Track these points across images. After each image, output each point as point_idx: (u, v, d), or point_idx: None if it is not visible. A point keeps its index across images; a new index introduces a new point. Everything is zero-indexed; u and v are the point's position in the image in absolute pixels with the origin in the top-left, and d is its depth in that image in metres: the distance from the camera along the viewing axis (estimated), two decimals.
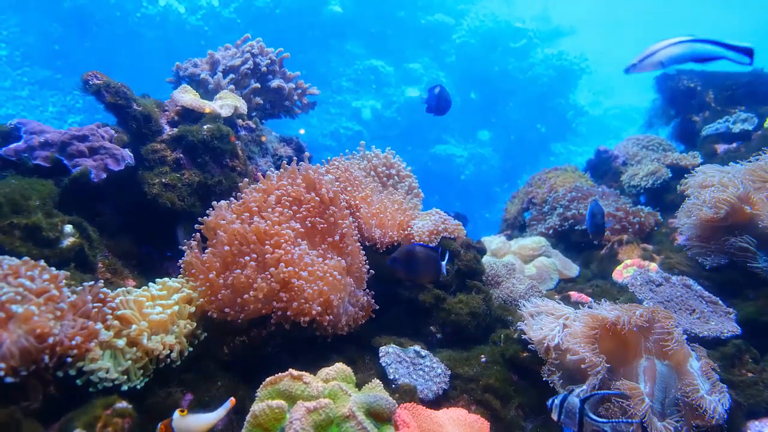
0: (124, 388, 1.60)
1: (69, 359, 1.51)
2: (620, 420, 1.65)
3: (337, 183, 2.50)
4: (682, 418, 1.74)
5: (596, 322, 1.89)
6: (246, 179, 2.35)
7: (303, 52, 12.99)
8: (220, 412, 1.50)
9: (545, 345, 1.96)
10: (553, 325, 1.99)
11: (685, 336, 1.91)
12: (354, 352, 2.10)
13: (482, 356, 2.14)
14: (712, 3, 21.79)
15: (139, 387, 1.64)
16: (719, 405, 1.72)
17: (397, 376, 1.92)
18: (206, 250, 2.06)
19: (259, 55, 3.14)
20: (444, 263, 2.14)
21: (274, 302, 1.90)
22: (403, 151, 3.05)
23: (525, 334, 2.07)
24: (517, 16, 15.86)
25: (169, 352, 1.74)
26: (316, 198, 2.23)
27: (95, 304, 1.68)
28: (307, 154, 3.28)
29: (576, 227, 3.58)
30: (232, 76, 3.09)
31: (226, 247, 1.98)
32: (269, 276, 1.90)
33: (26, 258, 1.64)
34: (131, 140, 2.49)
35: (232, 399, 1.51)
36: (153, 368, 1.72)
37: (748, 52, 1.91)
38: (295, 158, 3.13)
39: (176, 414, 1.47)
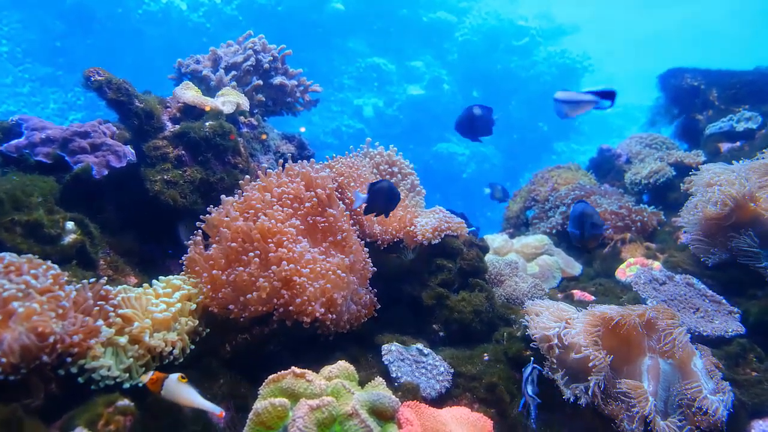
0: (126, 385, 1.59)
1: (70, 357, 1.51)
2: (534, 403, 1.80)
3: (341, 179, 2.49)
4: (685, 417, 1.73)
5: (599, 320, 1.88)
6: (248, 176, 2.34)
7: (305, 49, 12.98)
8: (207, 404, 1.48)
9: (548, 343, 1.95)
10: (556, 323, 1.98)
11: (689, 335, 1.90)
12: (356, 351, 2.09)
13: (485, 355, 2.13)
14: (714, 2, 21.71)
15: (141, 385, 1.63)
16: (722, 405, 1.71)
17: (399, 375, 1.91)
18: (210, 247, 2.05)
19: (262, 52, 3.13)
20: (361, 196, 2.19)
21: (275, 300, 1.89)
22: (405, 149, 2.99)
23: (528, 331, 2.06)
24: (520, 14, 15.84)
25: (171, 349, 1.73)
26: (315, 197, 2.22)
27: (98, 302, 1.67)
28: (311, 154, 3.27)
29: None
30: (234, 72, 3.07)
31: (232, 244, 1.97)
32: (272, 274, 1.89)
33: (30, 255, 1.63)
34: (133, 137, 2.48)
35: (222, 412, 1.49)
36: (155, 366, 1.71)
37: (611, 95, 2.27)
38: (291, 155, 3.13)
39: (175, 376, 1.48)
